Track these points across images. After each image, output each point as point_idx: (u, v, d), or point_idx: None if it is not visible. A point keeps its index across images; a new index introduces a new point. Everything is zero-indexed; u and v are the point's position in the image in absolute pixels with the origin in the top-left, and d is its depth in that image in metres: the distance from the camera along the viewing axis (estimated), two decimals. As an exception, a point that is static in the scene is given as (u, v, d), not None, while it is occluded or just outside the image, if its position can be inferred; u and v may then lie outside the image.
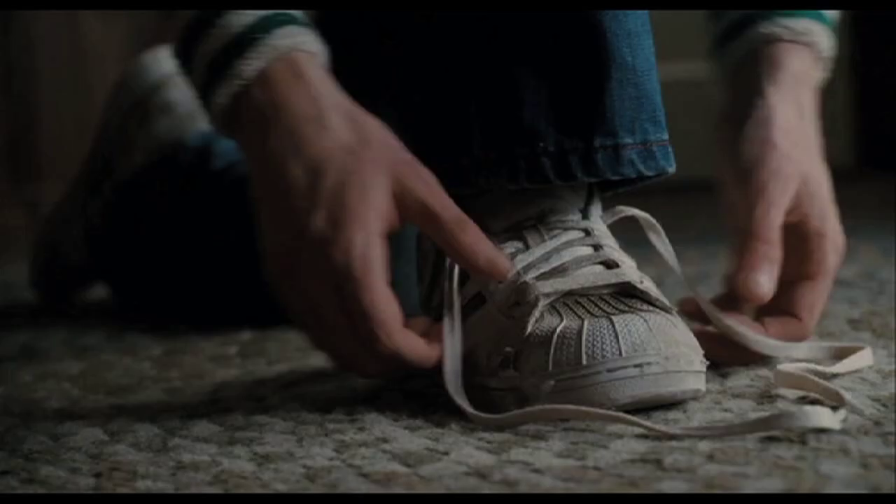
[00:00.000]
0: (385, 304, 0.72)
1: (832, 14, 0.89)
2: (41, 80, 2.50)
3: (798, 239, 0.83)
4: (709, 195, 1.04)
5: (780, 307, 0.82)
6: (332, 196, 0.72)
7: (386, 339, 0.72)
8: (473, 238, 0.73)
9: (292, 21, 0.75)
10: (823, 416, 0.63)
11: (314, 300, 0.72)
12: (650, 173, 0.77)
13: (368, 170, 0.72)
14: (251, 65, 0.74)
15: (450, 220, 0.73)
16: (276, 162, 0.73)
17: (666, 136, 0.77)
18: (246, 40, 0.74)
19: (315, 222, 0.72)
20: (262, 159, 0.74)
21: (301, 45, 0.75)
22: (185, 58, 0.77)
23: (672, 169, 0.78)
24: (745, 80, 0.87)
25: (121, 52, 2.43)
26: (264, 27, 0.74)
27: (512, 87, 0.75)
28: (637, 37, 0.75)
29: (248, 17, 0.75)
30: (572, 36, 0.74)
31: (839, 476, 0.57)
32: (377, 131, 0.74)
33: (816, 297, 0.82)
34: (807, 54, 0.87)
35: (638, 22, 0.75)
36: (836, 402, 0.68)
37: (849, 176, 2.83)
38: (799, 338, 0.82)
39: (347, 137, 0.73)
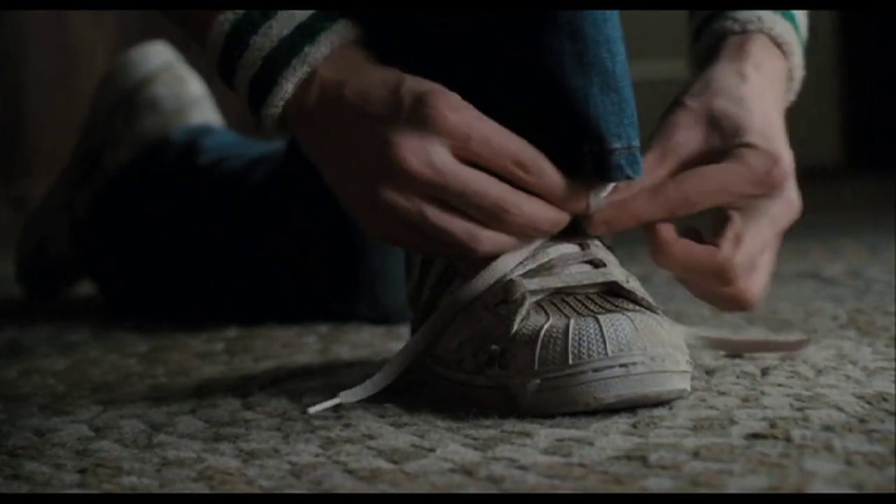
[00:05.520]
0: (525, 144, 0.74)
1: (804, 31, 0.87)
2: (30, 77, 2.49)
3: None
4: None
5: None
6: (418, 100, 0.73)
7: (541, 175, 0.74)
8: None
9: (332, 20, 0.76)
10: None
11: (433, 180, 0.73)
12: (637, 177, 0.76)
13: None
14: (318, 50, 0.75)
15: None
16: (360, 102, 0.74)
17: (639, 142, 0.77)
18: (300, 37, 0.75)
19: (404, 103, 0.73)
20: (339, 117, 0.75)
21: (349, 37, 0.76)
22: (227, 67, 0.77)
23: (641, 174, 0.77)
24: (705, 62, 0.84)
25: (110, 48, 2.43)
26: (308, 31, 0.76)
27: (496, 93, 0.75)
28: (615, 42, 0.75)
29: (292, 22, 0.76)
30: (554, 42, 0.74)
31: (823, 473, 0.57)
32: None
33: (742, 227, 0.77)
34: (773, 47, 0.84)
35: (614, 28, 0.75)
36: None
37: (836, 174, 2.83)
38: (710, 267, 0.77)
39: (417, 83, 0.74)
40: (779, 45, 0.84)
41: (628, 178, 0.75)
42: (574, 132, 0.74)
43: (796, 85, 0.86)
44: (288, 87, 0.75)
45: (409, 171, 0.72)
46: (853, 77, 2.91)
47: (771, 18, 0.84)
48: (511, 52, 0.74)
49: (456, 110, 0.73)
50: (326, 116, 0.75)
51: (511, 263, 0.75)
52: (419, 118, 0.72)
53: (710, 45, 0.85)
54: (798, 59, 0.85)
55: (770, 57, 0.83)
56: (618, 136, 0.74)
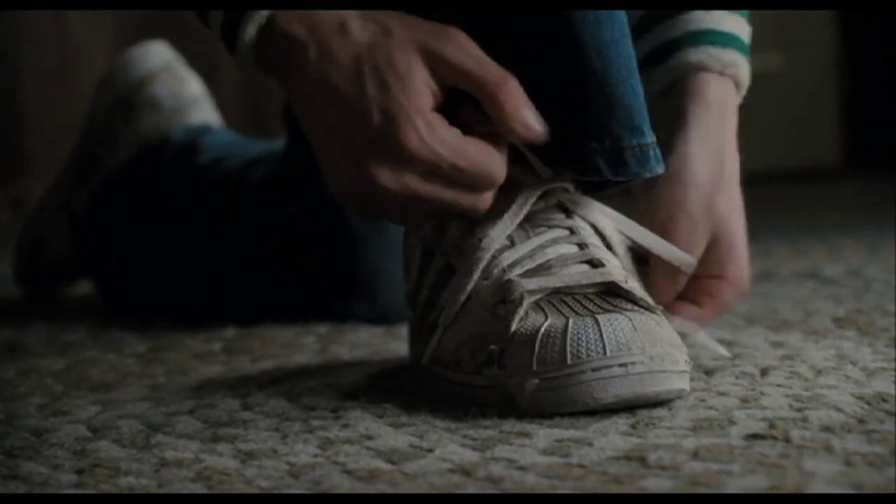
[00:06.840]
0: (481, 149, 0.74)
1: (747, 38, 0.88)
2: (28, 77, 2.49)
3: (702, 269, 0.83)
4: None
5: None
6: (377, 94, 0.72)
7: (497, 173, 0.74)
8: (511, 97, 0.73)
9: None
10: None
11: (411, 185, 0.73)
12: (620, 178, 0.76)
13: (398, 57, 0.73)
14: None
15: (488, 79, 0.73)
16: (316, 83, 0.73)
17: (648, 141, 0.77)
18: None
19: (373, 121, 0.72)
20: (300, 87, 0.74)
21: None
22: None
23: (660, 169, 0.78)
24: (669, 111, 0.85)
25: (109, 48, 2.43)
26: None
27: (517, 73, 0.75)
28: (612, 45, 0.75)
29: None
30: (542, 48, 0.74)
31: (823, 473, 0.57)
32: (394, 18, 0.74)
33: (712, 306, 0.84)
34: (730, 86, 0.86)
35: (615, 30, 0.75)
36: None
37: (836, 174, 2.83)
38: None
39: (369, 35, 0.73)
40: (731, 75, 0.86)
41: (638, 175, 0.75)
42: (586, 126, 0.74)
43: (744, 91, 0.88)
44: (250, 30, 0.74)
45: (409, 152, 0.72)
46: (853, 77, 2.91)
47: (734, 58, 0.86)
48: (536, 37, 0.74)
49: (413, 98, 0.72)
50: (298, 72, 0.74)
51: (506, 262, 0.75)
52: (387, 111, 0.72)
53: (677, 79, 0.86)
54: (745, 71, 0.87)
55: (725, 96, 0.86)
56: (598, 137, 0.74)
